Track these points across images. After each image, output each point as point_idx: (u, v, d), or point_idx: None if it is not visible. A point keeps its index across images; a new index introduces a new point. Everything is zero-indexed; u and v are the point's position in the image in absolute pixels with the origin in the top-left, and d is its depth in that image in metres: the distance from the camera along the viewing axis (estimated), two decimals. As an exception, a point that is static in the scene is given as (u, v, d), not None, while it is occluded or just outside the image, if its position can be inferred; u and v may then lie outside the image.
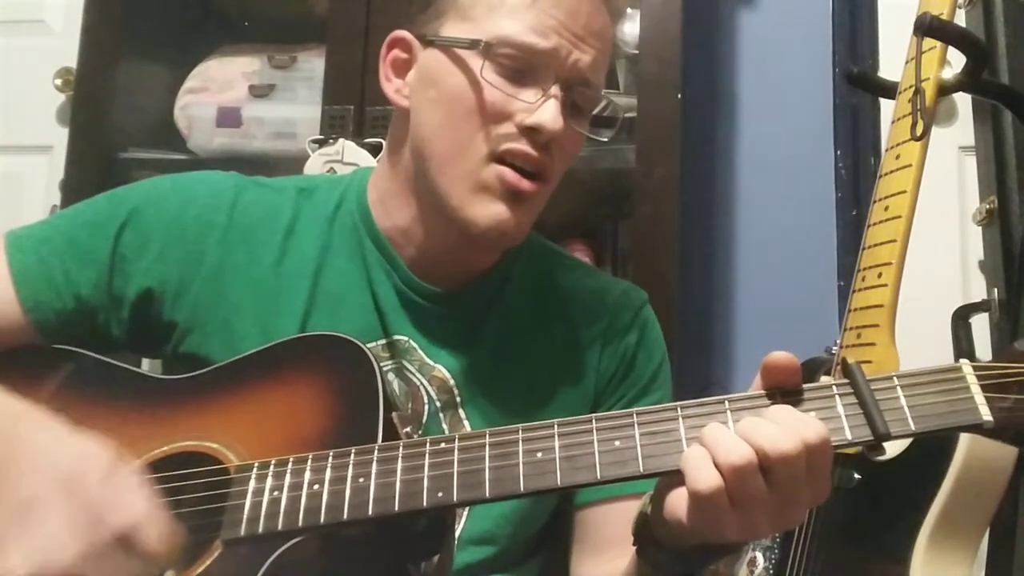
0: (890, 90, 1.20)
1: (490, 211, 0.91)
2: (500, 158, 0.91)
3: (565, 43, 0.90)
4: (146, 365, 1.16)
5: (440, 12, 0.94)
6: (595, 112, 0.99)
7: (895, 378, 0.71)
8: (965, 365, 0.71)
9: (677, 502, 0.72)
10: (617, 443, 0.72)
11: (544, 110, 0.89)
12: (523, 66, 0.90)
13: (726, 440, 0.68)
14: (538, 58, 0.90)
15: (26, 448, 0.74)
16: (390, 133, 1.02)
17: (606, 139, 1.00)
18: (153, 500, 0.73)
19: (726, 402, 0.72)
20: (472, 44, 0.90)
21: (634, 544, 0.82)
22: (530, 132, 0.90)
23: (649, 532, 0.79)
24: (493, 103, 0.90)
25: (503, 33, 0.90)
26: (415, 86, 0.96)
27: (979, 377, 0.70)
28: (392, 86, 0.98)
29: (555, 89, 0.90)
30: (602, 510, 0.99)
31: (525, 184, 0.91)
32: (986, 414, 0.69)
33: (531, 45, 0.89)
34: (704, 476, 0.68)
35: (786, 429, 0.68)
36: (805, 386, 0.72)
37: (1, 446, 0.75)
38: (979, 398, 0.69)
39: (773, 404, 0.71)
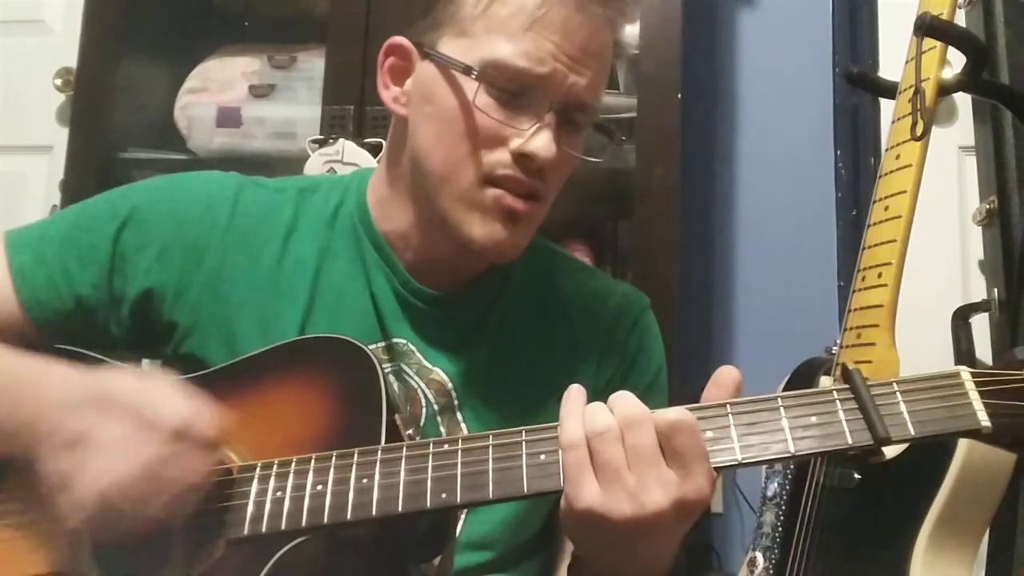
0: (890, 90, 1.20)
1: (487, 231, 0.91)
2: (495, 183, 0.91)
3: (561, 68, 0.89)
4: (145, 366, 1.15)
5: (439, 23, 0.92)
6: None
7: (895, 384, 0.72)
8: (964, 371, 0.72)
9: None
10: None
11: (537, 139, 0.89)
12: (518, 89, 0.89)
13: (595, 410, 0.72)
14: (533, 83, 0.89)
15: (47, 393, 0.79)
16: (389, 138, 1.02)
17: (600, 160, 0.99)
18: (184, 394, 0.77)
19: (727, 406, 0.73)
20: (466, 70, 0.89)
21: None
22: (523, 159, 0.90)
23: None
24: (486, 128, 0.90)
25: (497, 57, 0.88)
26: (413, 97, 0.95)
27: (977, 383, 0.71)
28: (390, 94, 0.97)
29: (549, 117, 0.89)
30: None
31: (520, 205, 0.91)
32: (984, 420, 0.70)
33: (526, 70, 0.88)
34: (570, 428, 0.71)
35: (642, 405, 0.71)
36: (806, 391, 0.73)
37: (25, 397, 0.79)
38: (977, 404, 0.70)
39: (776, 409, 0.72)
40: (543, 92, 0.89)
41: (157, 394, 0.76)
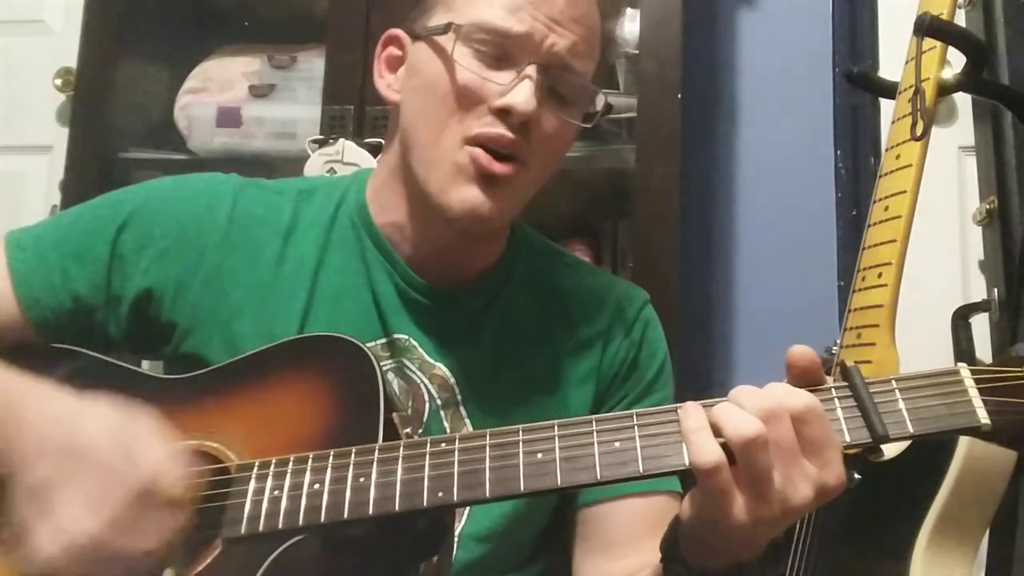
0: (890, 90, 1.20)
1: (463, 195, 0.91)
2: (475, 141, 0.90)
3: (540, 26, 0.90)
4: (146, 366, 1.15)
5: (429, 7, 0.96)
6: (592, 109, 0.98)
7: (893, 381, 0.71)
8: (963, 369, 0.71)
9: (690, 498, 0.72)
10: (617, 444, 0.72)
11: (516, 91, 0.89)
12: (499, 51, 0.91)
13: (733, 414, 0.68)
14: (513, 42, 0.90)
15: (30, 426, 0.74)
16: (387, 131, 1.03)
17: (589, 125, 0.98)
18: (162, 443, 0.74)
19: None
20: (446, 28, 0.91)
21: (661, 562, 0.81)
22: (503, 114, 0.90)
23: (676, 550, 0.78)
24: (467, 86, 0.91)
25: (476, 18, 0.91)
26: (403, 79, 0.97)
27: (977, 380, 0.71)
28: (384, 82, 0.99)
29: (530, 69, 0.90)
30: (605, 508, 0.99)
31: (497, 167, 0.90)
32: (984, 417, 0.69)
33: (505, 29, 0.90)
34: (706, 448, 0.67)
35: (772, 396, 0.68)
36: (804, 388, 0.72)
37: (5, 427, 0.75)
38: (977, 401, 0.70)
39: None
40: (523, 51, 0.90)
41: (131, 443, 0.73)
